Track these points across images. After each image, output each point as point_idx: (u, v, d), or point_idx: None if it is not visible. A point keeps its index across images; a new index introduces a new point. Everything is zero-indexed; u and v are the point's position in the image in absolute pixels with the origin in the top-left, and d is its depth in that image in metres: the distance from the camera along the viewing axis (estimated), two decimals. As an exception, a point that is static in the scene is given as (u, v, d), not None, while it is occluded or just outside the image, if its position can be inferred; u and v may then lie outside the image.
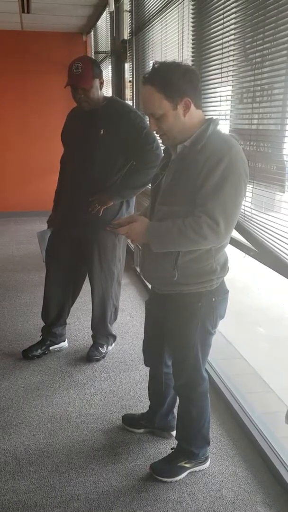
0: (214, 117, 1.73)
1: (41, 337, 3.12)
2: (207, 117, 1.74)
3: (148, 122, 2.66)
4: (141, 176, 2.72)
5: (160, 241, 1.70)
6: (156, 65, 1.64)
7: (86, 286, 3.05)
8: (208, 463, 2.13)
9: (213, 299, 1.81)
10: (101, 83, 2.67)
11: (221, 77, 2.40)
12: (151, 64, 3.92)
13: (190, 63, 2.76)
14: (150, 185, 2.05)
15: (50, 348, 3.11)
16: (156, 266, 1.81)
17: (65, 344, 3.19)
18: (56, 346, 3.13)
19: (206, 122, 1.70)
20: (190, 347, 1.87)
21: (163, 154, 1.90)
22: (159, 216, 1.77)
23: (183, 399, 2.04)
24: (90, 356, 3.01)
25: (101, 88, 2.68)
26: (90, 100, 2.63)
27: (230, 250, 1.89)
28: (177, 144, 1.71)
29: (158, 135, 1.73)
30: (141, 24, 4.07)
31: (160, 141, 1.71)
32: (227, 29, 2.31)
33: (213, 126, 1.68)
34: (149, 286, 2.12)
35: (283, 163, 2.03)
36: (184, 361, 1.92)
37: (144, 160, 2.71)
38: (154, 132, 1.70)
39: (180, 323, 1.86)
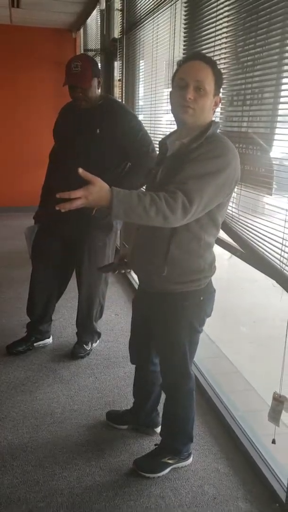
0: (216, 120, 1.76)
1: (26, 333, 3.12)
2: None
3: (143, 128, 2.71)
4: (135, 178, 2.68)
5: (127, 207, 1.47)
6: (207, 56, 1.75)
7: (71, 283, 3.05)
8: (190, 460, 2.16)
9: (201, 298, 1.83)
10: (99, 82, 2.67)
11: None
12: (141, 64, 3.98)
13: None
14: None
15: (35, 344, 3.10)
16: (146, 259, 1.82)
17: (49, 340, 3.19)
18: (40, 342, 3.13)
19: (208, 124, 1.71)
20: (178, 345, 1.89)
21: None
22: None
23: (170, 397, 2.06)
24: (75, 353, 3.02)
25: (99, 87, 2.68)
26: (88, 99, 2.63)
27: (216, 250, 1.92)
28: (182, 139, 1.71)
29: (187, 106, 1.64)
30: (132, 23, 4.09)
31: (183, 112, 1.65)
32: (219, 32, 2.34)
33: (214, 128, 1.70)
34: (137, 284, 2.12)
35: (271, 166, 2.07)
36: (172, 359, 1.94)
37: (140, 162, 2.68)
38: (188, 99, 1.62)
39: (168, 322, 1.88)
